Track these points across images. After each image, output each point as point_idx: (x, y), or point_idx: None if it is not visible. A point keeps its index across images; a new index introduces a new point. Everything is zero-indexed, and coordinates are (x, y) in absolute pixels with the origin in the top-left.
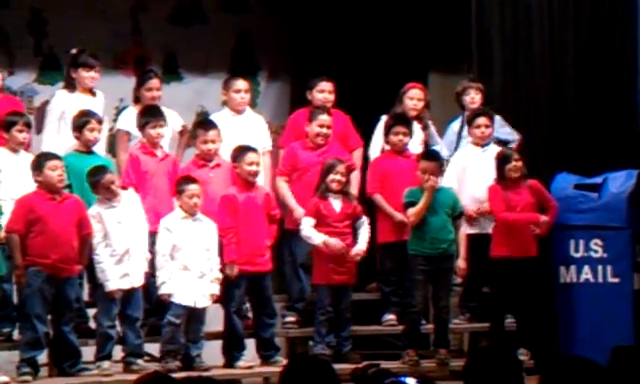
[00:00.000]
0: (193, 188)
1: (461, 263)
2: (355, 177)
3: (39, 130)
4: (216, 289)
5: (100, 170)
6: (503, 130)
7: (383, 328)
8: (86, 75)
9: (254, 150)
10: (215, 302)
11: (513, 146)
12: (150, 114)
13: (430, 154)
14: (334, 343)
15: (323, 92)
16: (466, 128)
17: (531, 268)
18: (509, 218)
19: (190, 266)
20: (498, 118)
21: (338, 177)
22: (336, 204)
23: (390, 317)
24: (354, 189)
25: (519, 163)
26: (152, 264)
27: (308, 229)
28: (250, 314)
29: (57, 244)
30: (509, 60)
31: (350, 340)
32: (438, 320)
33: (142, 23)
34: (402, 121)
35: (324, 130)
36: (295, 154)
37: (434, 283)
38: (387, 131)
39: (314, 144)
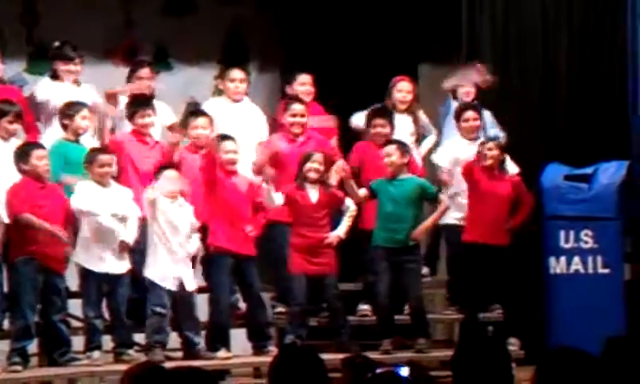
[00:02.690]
0: (166, 174)
1: (418, 231)
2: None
3: (39, 119)
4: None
5: (99, 150)
6: (492, 127)
7: (358, 319)
8: (64, 68)
9: (230, 138)
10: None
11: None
12: (138, 104)
13: (391, 141)
14: (304, 334)
15: (305, 84)
16: (452, 112)
17: (504, 256)
18: (479, 180)
19: (173, 250)
20: (487, 114)
21: (315, 165)
22: (312, 194)
23: (364, 307)
24: (333, 179)
25: (494, 152)
26: (139, 253)
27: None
28: (241, 305)
29: (47, 232)
30: (499, 51)
31: (347, 329)
32: (412, 310)
33: (134, 14)
34: (380, 113)
35: (297, 119)
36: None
37: (401, 275)
38: (368, 125)
39: (291, 134)
